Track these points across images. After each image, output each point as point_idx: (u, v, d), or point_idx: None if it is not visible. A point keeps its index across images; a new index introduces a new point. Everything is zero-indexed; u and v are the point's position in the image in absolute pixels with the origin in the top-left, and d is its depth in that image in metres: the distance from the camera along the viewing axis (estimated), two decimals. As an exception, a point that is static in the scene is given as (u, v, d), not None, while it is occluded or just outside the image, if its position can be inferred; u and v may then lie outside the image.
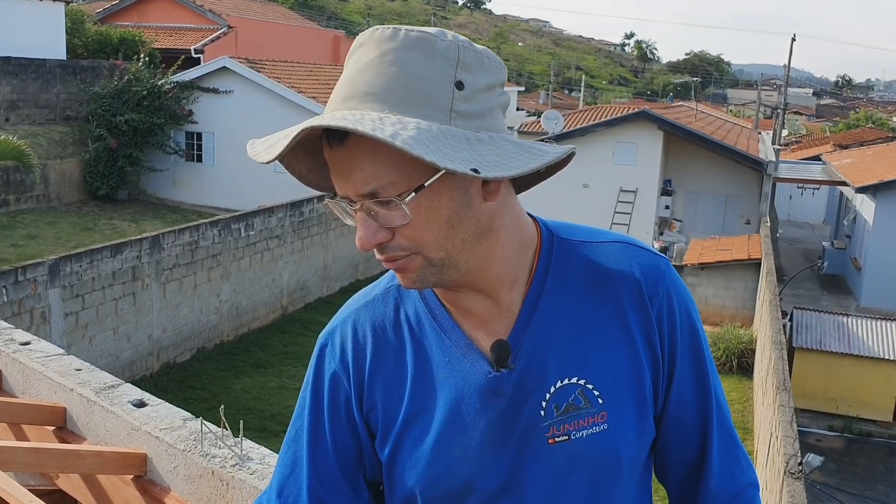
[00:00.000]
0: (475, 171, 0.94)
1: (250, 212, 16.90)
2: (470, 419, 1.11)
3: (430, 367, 1.14)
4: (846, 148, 32.11)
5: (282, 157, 1.03)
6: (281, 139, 1.00)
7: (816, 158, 30.86)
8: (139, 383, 12.61)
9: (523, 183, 1.16)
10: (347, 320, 1.22)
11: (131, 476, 2.29)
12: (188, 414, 2.40)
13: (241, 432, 2.17)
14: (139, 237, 14.07)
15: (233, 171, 23.63)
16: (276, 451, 2.29)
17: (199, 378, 14.10)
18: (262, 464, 2.15)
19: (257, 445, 2.24)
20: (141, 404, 2.45)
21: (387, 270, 1.22)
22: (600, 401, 1.10)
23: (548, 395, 1.10)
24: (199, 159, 24.21)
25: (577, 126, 24.85)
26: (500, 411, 1.10)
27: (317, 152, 1.08)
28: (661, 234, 23.64)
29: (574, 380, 1.10)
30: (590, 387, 1.10)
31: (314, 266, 18.74)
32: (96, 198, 22.27)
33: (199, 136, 23.97)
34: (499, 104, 1.06)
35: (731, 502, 1.19)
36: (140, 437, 2.32)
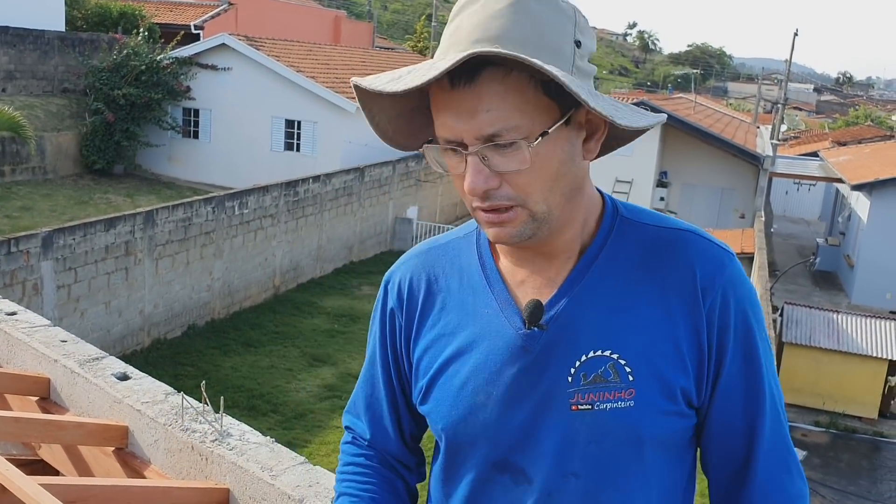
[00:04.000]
0: (612, 118, 1.01)
1: (245, 190, 16.87)
2: (496, 369, 1.14)
3: (471, 317, 1.18)
4: (844, 145, 32.11)
5: (372, 107, 1.10)
6: (424, 71, 1.02)
7: (814, 154, 30.88)
8: (129, 358, 12.63)
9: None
10: (408, 262, 1.29)
11: (112, 448, 2.31)
12: (170, 388, 2.42)
13: (222, 408, 2.19)
14: (133, 212, 14.05)
15: (229, 148, 23.57)
16: (263, 430, 2.32)
17: (190, 355, 14.12)
18: (241, 440, 2.17)
19: (237, 422, 2.26)
20: (124, 377, 2.47)
21: (444, 230, 1.30)
22: (630, 378, 1.10)
23: (577, 363, 1.11)
24: (196, 136, 24.13)
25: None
26: (524, 368, 1.13)
27: (403, 101, 1.11)
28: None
29: (607, 353, 1.11)
30: (622, 362, 1.10)
31: (308, 246, 18.74)
32: (92, 171, 22.20)
33: (197, 112, 23.90)
34: (594, 71, 1.12)
35: None
36: (122, 410, 2.34)
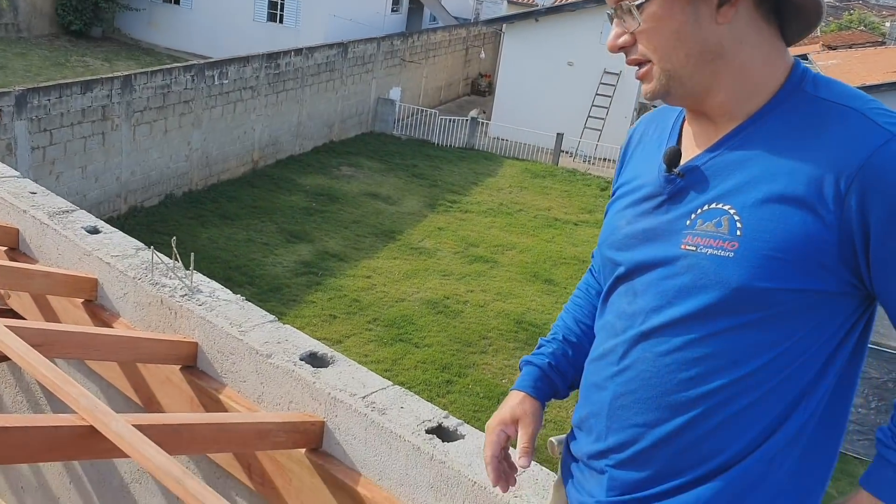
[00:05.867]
0: None
1: (225, 59, 16.50)
2: (638, 201, 1.29)
3: (649, 160, 1.32)
4: (834, 49, 31.76)
5: None
6: None
7: (804, 57, 30.54)
8: (105, 224, 12.61)
9: (791, 35, 1.22)
10: (645, 117, 1.44)
11: (81, 300, 2.32)
12: (140, 243, 2.41)
13: (192, 265, 2.19)
14: (111, 76, 13.74)
15: (210, 16, 22.93)
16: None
17: (166, 224, 14.09)
18: (211, 297, 2.17)
19: (208, 279, 2.26)
20: (94, 231, 2.45)
21: None
22: (738, 233, 1.14)
23: (699, 210, 1.19)
24: (177, 1, 23.43)
25: (568, 0, 24.26)
26: (657, 205, 1.26)
27: None
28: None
29: (726, 207, 1.16)
30: (736, 218, 1.15)
31: (288, 122, 18.49)
32: (69, 32, 21.59)
33: (178, -24, 23.16)
34: None
35: None
36: (91, 263, 2.33)
